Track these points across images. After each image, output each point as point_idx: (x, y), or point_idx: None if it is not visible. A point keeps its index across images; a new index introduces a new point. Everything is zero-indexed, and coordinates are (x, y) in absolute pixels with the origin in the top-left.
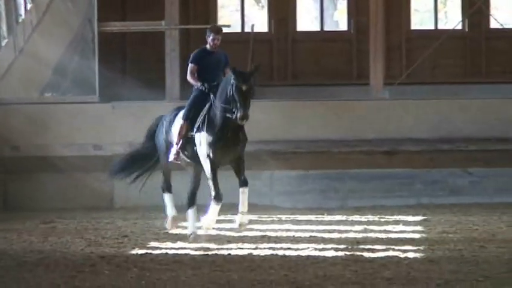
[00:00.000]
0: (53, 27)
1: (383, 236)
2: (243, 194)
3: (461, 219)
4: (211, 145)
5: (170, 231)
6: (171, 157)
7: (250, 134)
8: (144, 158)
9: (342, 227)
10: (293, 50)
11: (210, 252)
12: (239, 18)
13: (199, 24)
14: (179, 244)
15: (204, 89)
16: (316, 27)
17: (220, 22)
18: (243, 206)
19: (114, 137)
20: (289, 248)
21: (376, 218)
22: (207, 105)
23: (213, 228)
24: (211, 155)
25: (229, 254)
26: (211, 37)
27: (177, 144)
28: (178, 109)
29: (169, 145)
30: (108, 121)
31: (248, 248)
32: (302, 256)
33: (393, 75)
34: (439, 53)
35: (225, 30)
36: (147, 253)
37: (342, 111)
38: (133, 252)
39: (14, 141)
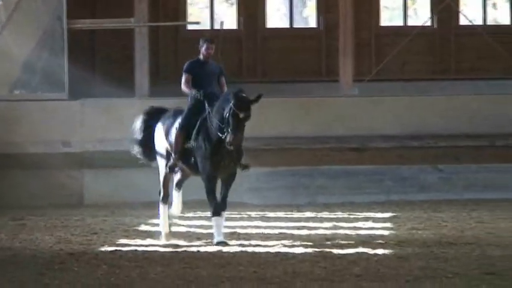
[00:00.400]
0: (22, 24)
1: (352, 232)
2: (218, 220)
3: (430, 216)
4: (207, 158)
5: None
6: (167, 169)
7: None
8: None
9: (311, 224)
10: (262, 47)
11: (179, 249)
12: (208, 15)
13: (169, 21)
14: (148, 241)
15: (198, 96)
16: (285, 24)
17: (189, 19)
18: (217, 233)
19: (83, 134)
20: (258, 245)
21: (345, 215)
22: (204, 115)
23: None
24: (208, 170)
25: (198, 250)
26: (204, 47)
27: (175, 155)
28: (176, 114)
29: (169, 153)
30: (77, 118)
31: (217, 245)
32: (271, 253)
33: (363, 72)
34: (409, 50)
35: (194, 27)
36: (116, 250)
37: (311, 108)
38: (103, 249)
39: None
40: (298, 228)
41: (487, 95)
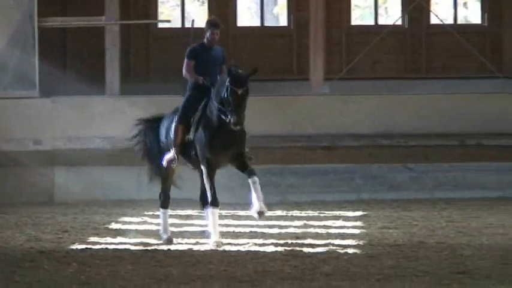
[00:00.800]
0: None
1: (323, 231)
2: (254, 184)
3: (401, 215)
4: (207, 146)
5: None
6: (165, 162)
7: None
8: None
9: (281, 223)
10: (233, 46)
11: (149, 248)
12: (179, 14)
13: (140, 19)
14: (119, 239)
15: (205, 83)
16: (256, 23)
17: (160, 17)
18: (257, 196)
19: (54, 132)
20: (229, 243)
21: (316, 214)
22: (203, 103)
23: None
24: (208, 156)
25: (169, 249)
26: (209, 32)
27: (174, 148)
28: (175, 112)
29: (163, 151)
30: (48, 116)
31: (188, 243)
32: (242, 251)
33: (333, 70)
34: (379, 49)
35: (165, 25)
36: (86, 248)
37: (282, 106)
38: (73, 247)
39: None
40: (269, 226)
41: (458, 94)
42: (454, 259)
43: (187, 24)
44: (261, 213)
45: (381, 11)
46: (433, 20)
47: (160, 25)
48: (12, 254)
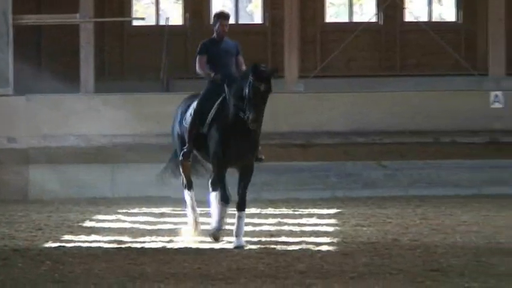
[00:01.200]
0: None
1: (297, 229)
2: (239, 219)
3: (375, 212)
4: (220, 143)
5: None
6: (181, 157)
7: (162, 126)
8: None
9: (256, 220)
10: None
11: (123, 245)
12: (154, 12)
13: (114, 17)
14: (93, 237)
15: (217, 79)
16: (230, 20)
17: (134, 15)
18: (238, 232)
19: (29, 130)
20: (203, 241)
21: (290, 211)
22: (220, 99)
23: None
24: (219, 153)
25: (143, 247)
26: (218, 23)
27: (188, 143)
28: (192, 98)
29: (183, 140)
30: (23, 114)
31: (162, 241)
32: (216, 249)
33: (308, 68)
34: (354, 46)
35: (140, 23)
36: (60, 246)
37: None
38: (47, 245)
39: None
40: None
41: (432, 91)
42: (427, 257)
43: (162, 22)
44: (237, 247)
45: (355, 8)
46: (408, 18)
47: (135, 23)
48: None
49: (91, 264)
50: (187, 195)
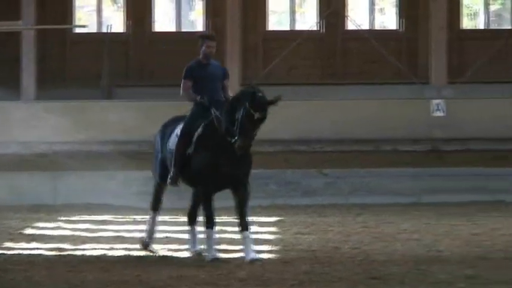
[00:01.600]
0: None
1: (238, 236)
2: (245, 239)
3: (315, 220)
4: (206, 165)
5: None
6: (169, 181)
7: (104, 134)
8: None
9: (197, 228)
10: (150, 51)
11: (64, 253)
12: (96, 19)
13: (56, 24)
14: (34, 245)
15: (204, 102)
16: (173, 28)
17: (77, 23)
18: (247, 251)
19: None
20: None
21: (230, 219)
22: (207, 121)
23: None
24: (205, 176)
25: (83, 254)
26: (204, 45)
27: (175, 166)
28: (177, 121)
29: (164, 163)
30: None
31: (102, 249)
32: (156, 256)
33: (250, 75)
34: (296, 54)
35: (82, 30)
36: (1, 253)
37: None
38: None
39: None
40: (184, 232)
41: (374, 99)
42: (368, 265)
43: (104, 29)
44: (253, 261)
45: (297, 16)
46: (350, 26)
47: (77, 30)
48: None
49: (32, 271)
50: (152, 216)
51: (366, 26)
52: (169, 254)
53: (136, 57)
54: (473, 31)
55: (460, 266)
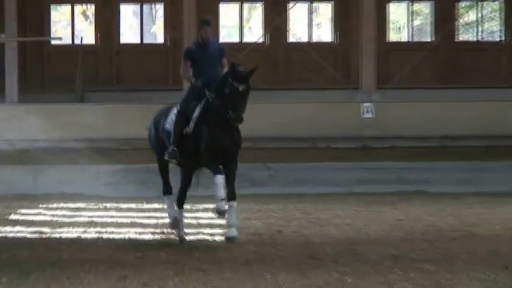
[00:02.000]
0: None
1: (194, 221)
2: (231, 208)
3: (261, 208)
4: (204, 141)
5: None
6: (167, 156)
7: (77, 132)
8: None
9: (158, 214)
10: (117, 60)
11: (44, 235)
12: (69, 32)
13: (35, 36)
14: (17, 228)
15: (197, 84)
16: (137, 40)
17: (53, 35)
18: (231, 222)
19: None
20: (113, 232)
21: (188, 206)
22: (203, 102)
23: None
24: (204, 151)
25: (61, 237)
26: (202, 29)
27: (173, 143)
28: (169, 109)
29: (163, 141)
30: None
31: (77, 232)
32: (124, 239)
33: None
34: (244, 63)
35: (57, 42)
36: None
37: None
38: None
39: None
40: (148, 217)
41: (311, 103)
42: (307, 246)
43: (77, 41)
44: (229, 239)
45: (245, 30)
46: (291, 39)
47: (53, 42)
48: None
49: (16, 251)
50: (167, 200)
51: (305, 39)
52: (135, 236)
53: (105, 65)
54: (398, 43)
55: (386, 246)
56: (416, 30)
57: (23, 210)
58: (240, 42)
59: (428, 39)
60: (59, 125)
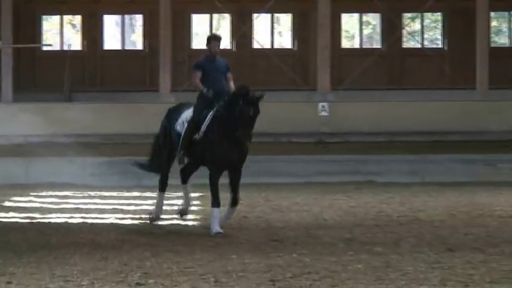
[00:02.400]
0: None
1: (169, 208)
2: (232, 209)
3: (228, 196)
4: (215, 150)
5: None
6: (176, 161)
7: (66, 128)
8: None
9: (137, 201)
10: (101, 64)
11: (34, 221)
12: (59, 39)
13: (28, 43)
14: (11, 214)
15: (208, 94)
16: (118, 47)
17: (44, 42)
18: (227, 217)
19: None
20: (96, 217)
21: (165, 194)
22: (213, 112)
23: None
24: (215, 160)
25: (49, 222)
26: (211, 45)
27: (182, 148)
28: (182, 107)
29: (172, 144)
30: None
31: (64, 217)
32: (106, 224)
33: (179, 83)
34: None
35: (48, 48)
36: None
37: (137, 111)
38: None
39: None
40: (128, 204)
41: (274, 102)
42: (269, 230)
43: (65, 48)
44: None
45: None
46: (256, 45)
47: (45, 48)
48: None
49: (9, 235)
50: (160, 196)
51: (268, 45)
52: (116, 221)
53: (90, 68)
54: (351, 49)
55: (341, 231)
56: (367, 38)
57: (16, 198)
58: None
59: (377, 46)
60: (49, 121)
